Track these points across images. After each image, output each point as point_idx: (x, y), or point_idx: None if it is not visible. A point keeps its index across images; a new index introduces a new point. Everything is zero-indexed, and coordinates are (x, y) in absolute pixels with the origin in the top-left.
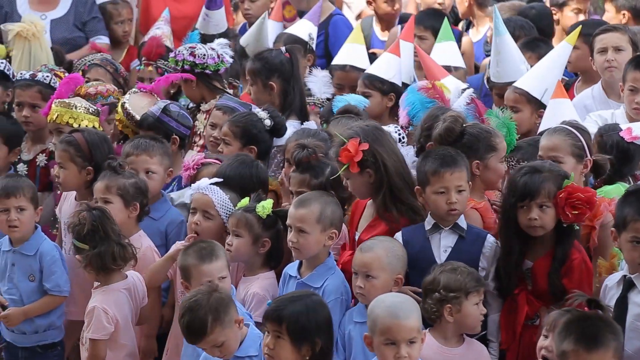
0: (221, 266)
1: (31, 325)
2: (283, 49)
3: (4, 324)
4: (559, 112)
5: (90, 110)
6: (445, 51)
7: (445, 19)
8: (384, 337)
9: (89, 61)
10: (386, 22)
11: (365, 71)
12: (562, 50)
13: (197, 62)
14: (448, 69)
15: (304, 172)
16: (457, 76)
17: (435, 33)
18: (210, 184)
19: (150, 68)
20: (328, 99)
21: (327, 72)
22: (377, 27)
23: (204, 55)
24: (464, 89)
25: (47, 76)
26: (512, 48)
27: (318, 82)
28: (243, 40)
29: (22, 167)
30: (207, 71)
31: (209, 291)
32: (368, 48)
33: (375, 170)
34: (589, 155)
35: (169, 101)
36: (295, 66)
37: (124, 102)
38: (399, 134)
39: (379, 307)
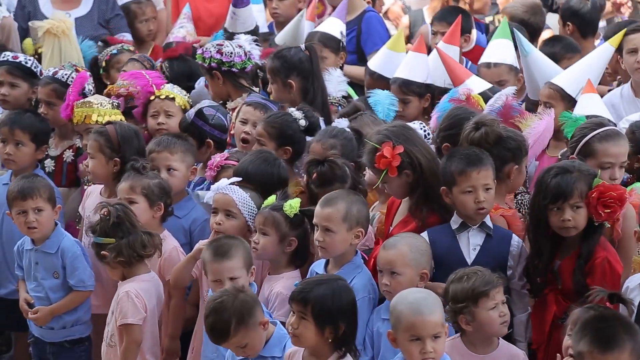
0: (232, 267)
1: (59, 321)
2: (302, 46)
3: (33, 323)
4: (589, 107)
5: (115, 105)
6: (499, 48)
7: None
8: (409, 334)
9: (112, 51)
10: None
11: (397, 76)
12: (603, 51)
13: (224, 60)
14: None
15: (332, 184)
16: (499, 72)
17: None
18: (230, 183)
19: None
20: (344, 97)
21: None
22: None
23: (231, 53)
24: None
25: (66, 74)
26: (533, 70)
27: (333, 81)
28: (279, 39)
29: (49, 163)
30: (233, 69)
31: (234, 293)
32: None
33: (412, 170)
34: None
35: (207, 102)
36: (314, 63)
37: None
38: (424, 130)
39: (402, 303)
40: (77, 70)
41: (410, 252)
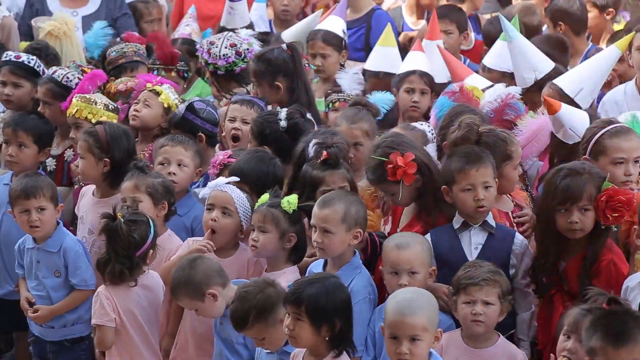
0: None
1: (59, 320)
2: (284, 45)
3: (33, 321)
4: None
5: (110, 108)
6: (501, 51)
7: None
8: (389, 331)
9: (111, 52)
10: (422, 11)
11: (421, 70)
12: (608, 54)
13: (209, 62)
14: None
15: (339, 168)
16: (491, 78)
17: (459, 27)
18: (227, 182)
19: (173, 74)
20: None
21: (359, 69)
22: (408, 17)
23: (216, 55)
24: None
25: (62, 74)
26: (516, 56)
27: (348, 79)
28: (288, 35)
29: (50, 162)
30: (218, 72)
31: (262, 286)
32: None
33: (421, 174)
34: None
35: (196, 98)
36: (297, 62)
37: None
38: (432, 134)
39: (391, 301)
40: (83, 71)
41: (423, 250)
